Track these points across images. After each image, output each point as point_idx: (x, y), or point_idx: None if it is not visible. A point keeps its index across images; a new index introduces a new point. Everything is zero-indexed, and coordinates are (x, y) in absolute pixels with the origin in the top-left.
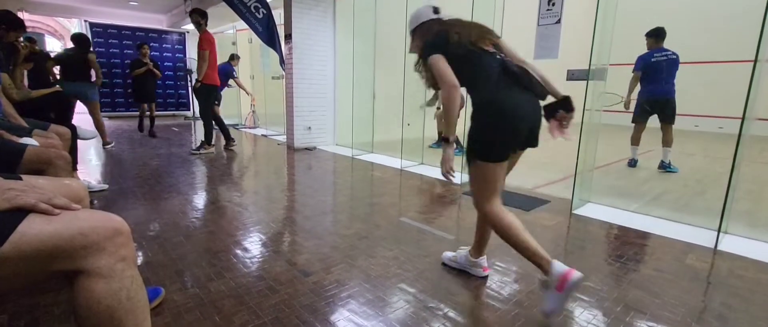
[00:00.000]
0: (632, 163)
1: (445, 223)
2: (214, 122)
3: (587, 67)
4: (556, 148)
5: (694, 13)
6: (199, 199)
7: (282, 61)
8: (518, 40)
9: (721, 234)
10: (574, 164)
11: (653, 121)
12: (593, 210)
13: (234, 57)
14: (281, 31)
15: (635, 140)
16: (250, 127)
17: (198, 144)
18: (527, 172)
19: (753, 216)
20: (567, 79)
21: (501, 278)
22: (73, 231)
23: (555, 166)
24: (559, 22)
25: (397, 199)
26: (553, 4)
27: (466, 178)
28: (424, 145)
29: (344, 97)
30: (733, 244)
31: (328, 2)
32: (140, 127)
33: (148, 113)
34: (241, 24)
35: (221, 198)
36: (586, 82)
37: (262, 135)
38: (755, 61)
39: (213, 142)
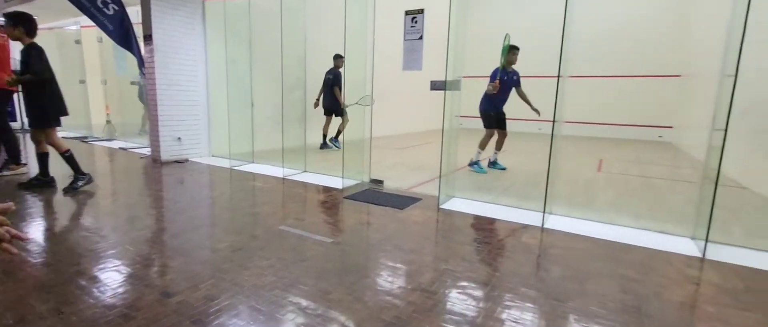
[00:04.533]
0: (478, 164)
1: (325, 228)
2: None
3: (444, 79)
4: (428, 152)
5: (527, 34)
6: (30, 229)
7: (141, 65)
8: (389, 53)
9: (546, 215)
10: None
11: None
12: (457, 204)
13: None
14: (139, 32)
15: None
16: (104, 140)
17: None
18: (403, 175)
19: (570, 199)
20: (430, 89)
21: (389, 274)
22: None
23: (427, 168)
24: (421, 38)
25: (277, 208)
26: (416, 22)
27: (346, 182)
28: (306, 153)
29: (219, 106)
30: (555, 221)
31: (195, 3)
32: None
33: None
34: (87, 19)
35: (62, 224)
36: (444, 91)
37: (120, 148)
38: (558, 76)
39: (23, 161)
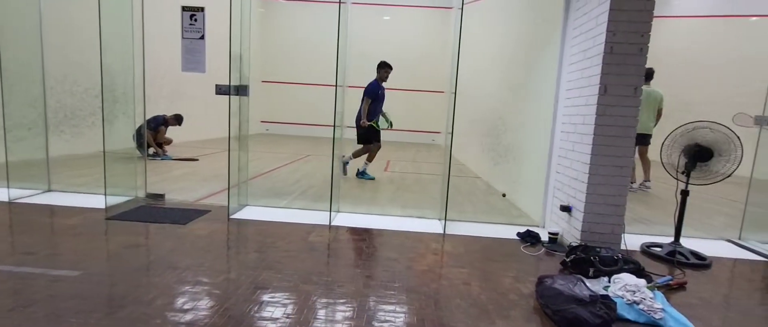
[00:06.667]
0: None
1: (71, 260)
2: None
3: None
4: (222, 163)
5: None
6: None
7: None
8: (167, 51)
9: (333, 213)
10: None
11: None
12: (250, 212)
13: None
14: None
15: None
16: None
17: None
18: (193, 186)
19: (357, 196)
20: (216, 94)
21: (155, 299)
22: None
23: (224, 177)
24: (202, 37)
25: None
26: (196, 20)
27: (113, 200)
28: (49, 168)
29: None
30: (341, 219)
31: None
32: None
33: None
34: None
35: None
36: (229, 96)
37: None
38: (336, 85)
39: None
